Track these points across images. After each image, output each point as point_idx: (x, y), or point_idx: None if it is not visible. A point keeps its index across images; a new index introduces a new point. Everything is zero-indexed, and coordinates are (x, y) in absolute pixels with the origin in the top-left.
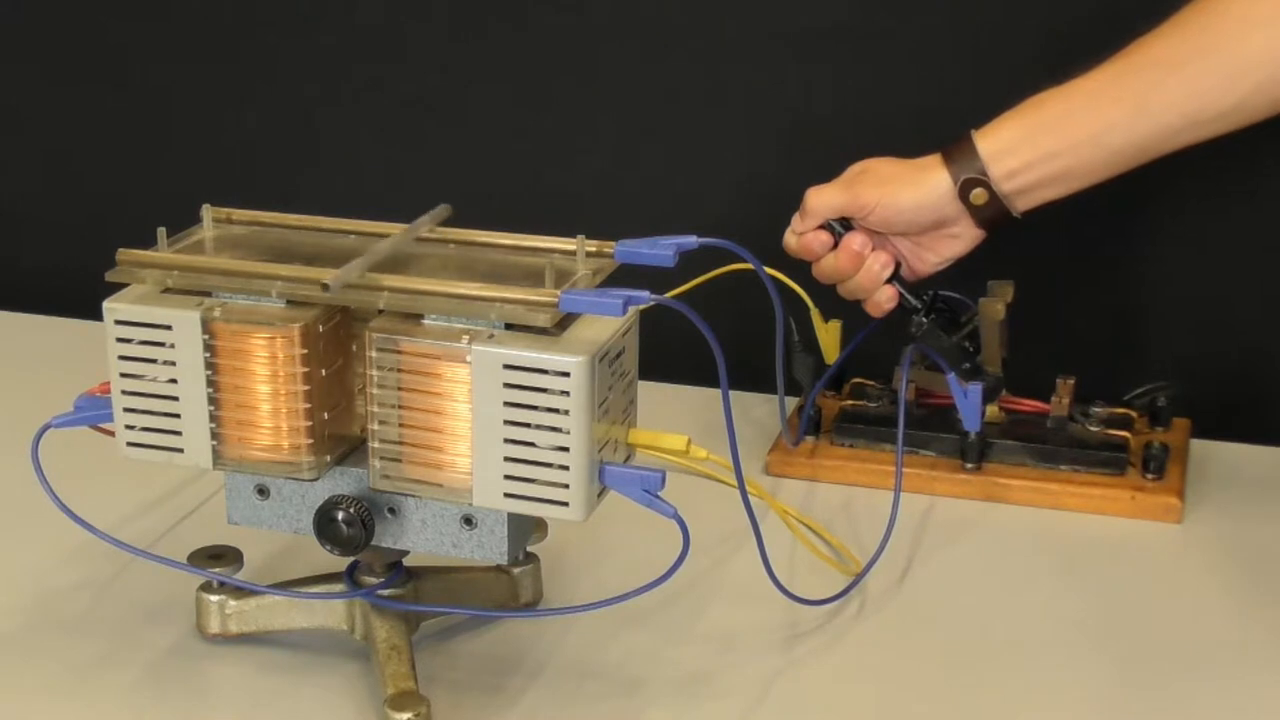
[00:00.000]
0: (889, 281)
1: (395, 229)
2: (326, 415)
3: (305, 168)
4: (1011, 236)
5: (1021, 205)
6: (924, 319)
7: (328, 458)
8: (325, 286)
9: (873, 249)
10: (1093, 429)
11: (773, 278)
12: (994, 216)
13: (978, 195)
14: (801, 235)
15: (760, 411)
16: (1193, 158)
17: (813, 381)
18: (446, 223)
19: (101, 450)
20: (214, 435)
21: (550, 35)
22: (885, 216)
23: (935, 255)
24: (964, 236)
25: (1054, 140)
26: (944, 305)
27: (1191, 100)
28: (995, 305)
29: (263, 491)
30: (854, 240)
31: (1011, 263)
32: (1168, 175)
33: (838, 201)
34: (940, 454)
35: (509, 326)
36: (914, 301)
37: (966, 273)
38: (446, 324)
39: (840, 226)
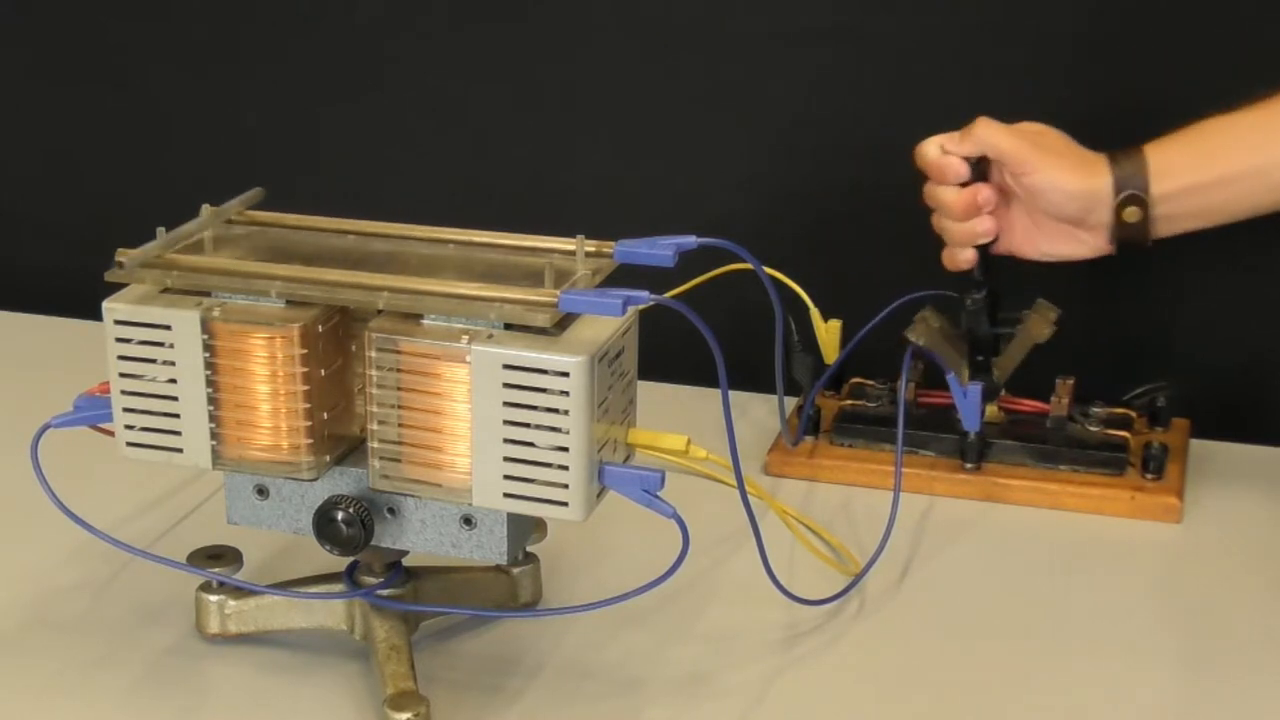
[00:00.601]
0: (979, 247)
1: (395, 229)
2: (326, 415)
3: (305, 168)
4: None
5: (1162, 231)
6: (980, 297)
7: (327, 458)
8: (120, 265)
9: (992, 209)
10: (1092, 429)
11: (772, 278)
12: (1132, 237)
13: (1131, 213)
14: (948, 154)
15: (760, 411)
16: None
17: (812, 381)
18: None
19: (101, 450)
20: (213, 435)
21: (550, 35)
22: (1039, 186)
23: (1048, 247)
24: (1088, 244)
25: (1218, 169)
26: (997, 296)
27: None
28: (1044, 327)
29: (262, 491)
30: (983, 191)
31: (1010, 261)
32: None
33: (1006, 144)
34: (940, 454)
35: (508, 326)
36: (982, 277)
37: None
38: (446, 324)
39: (979, 167)
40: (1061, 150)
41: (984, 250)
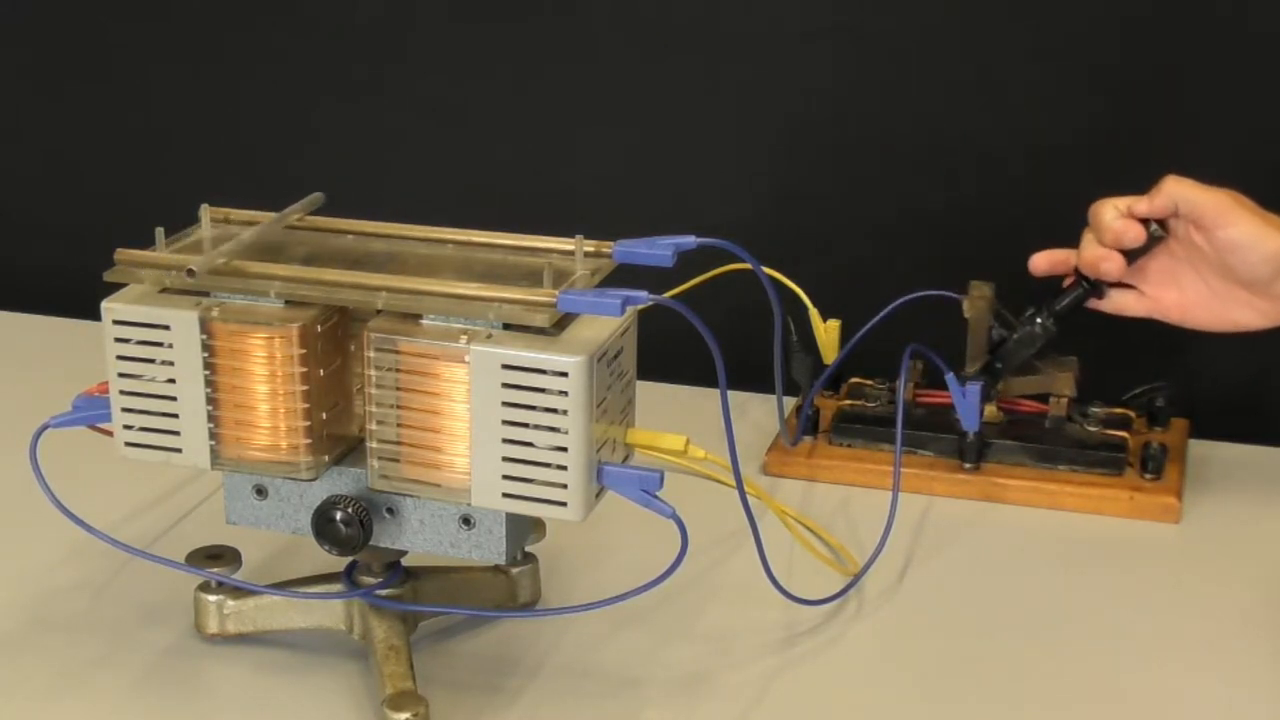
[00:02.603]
0: (1082, 284)
1: (394, 229)
2: (325, 415)
3: (304, 168)
4: (1009, 235)
5: None
6: (1051, 325)
7: (326, 458)
8: (190, 272)
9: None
10: (1091, 429)
11: (771, 278)
12: None
13: None
14: (1129, 218)
15: (759, 411)
16: (1191, 159)
17: (811, 381)
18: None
19: (100, 450)
20: (212, 435)
21: (550, 35)
22: (1237, 240)
23: (1223, 313)
24: (1265, 314)
25: None
26: (1056, 335)
27: None
28: (1068, 383)
29: (261, 491)
30: (1132, 230)
31: (1010, 262)
32: (1166, 175)
33: (1202, 196)
34: (939, 454)
35: (507, 326)
36: (1066, 311)
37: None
38: (445, 324)
39: (1159, 230)
40: (1257, 211)
41: (1086, 293)
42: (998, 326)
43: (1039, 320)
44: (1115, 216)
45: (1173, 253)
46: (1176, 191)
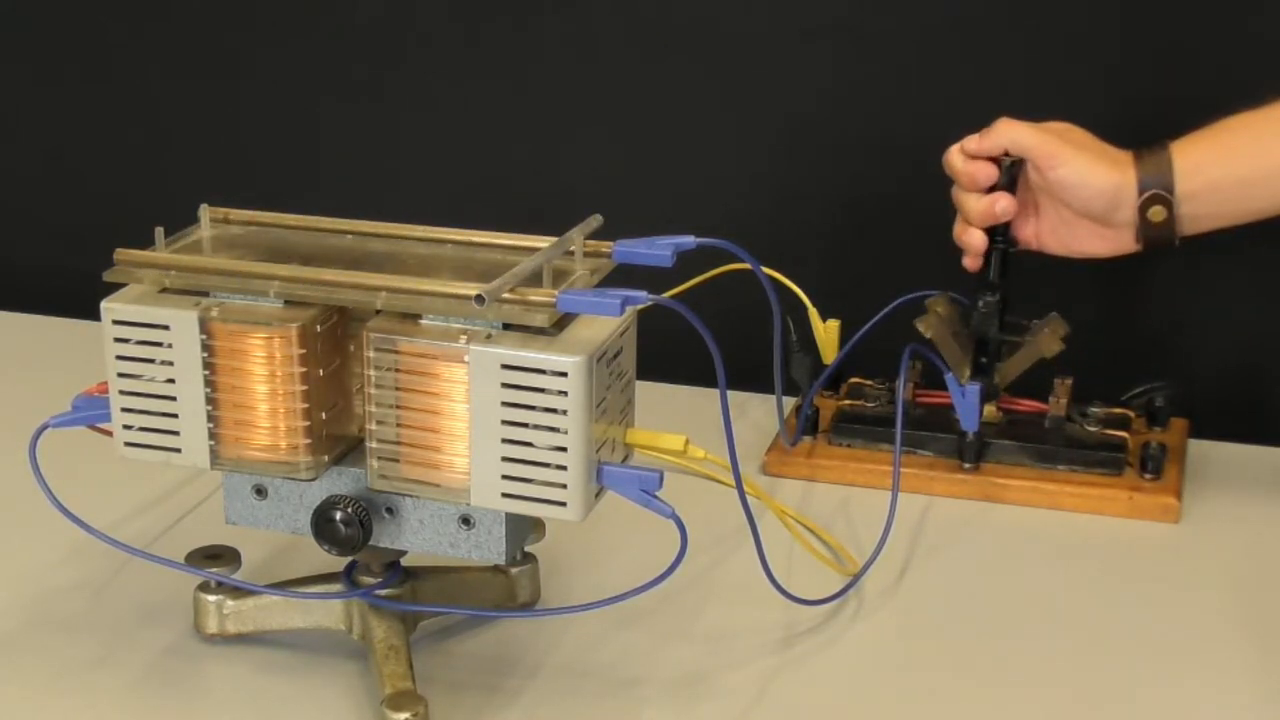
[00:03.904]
0: (994, 246)
1: (393, 229)
2: (324, 415)
3: (304, 168)
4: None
5: (1188, 230)
6: (994, 300)
7: (325, 458)
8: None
9: (1010, 219)
10: (1090, 429)
11: (770, 278)
12: (1158, 236)
13: (1156, 213)
14: (974, 158)
15: (758, 411)
16: None
17: (810, 381)
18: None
19: (99, 450)
20: (212, 435)
21: (549, 35)
22: (1066, 179)
23: (1076, 244)
24: (1115, 242)
25: (1243, 168)
26: (1007, 301)
27: None
28: (1054, 343)
29: (260, 491)
30: (1001, 201)
31: (1019, 265)
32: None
33: (1030, 140)
34: (938, 454)
35: (507, 326)
36: (997, 280)
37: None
38: (444, 324)
39: (1011, 173)
40: (1088, 145)
41: (1003, 252)
42: (964, 329)
43: (980, 300)
44: (964, 162)
45: (1030, 185)
46: (1006, 134)
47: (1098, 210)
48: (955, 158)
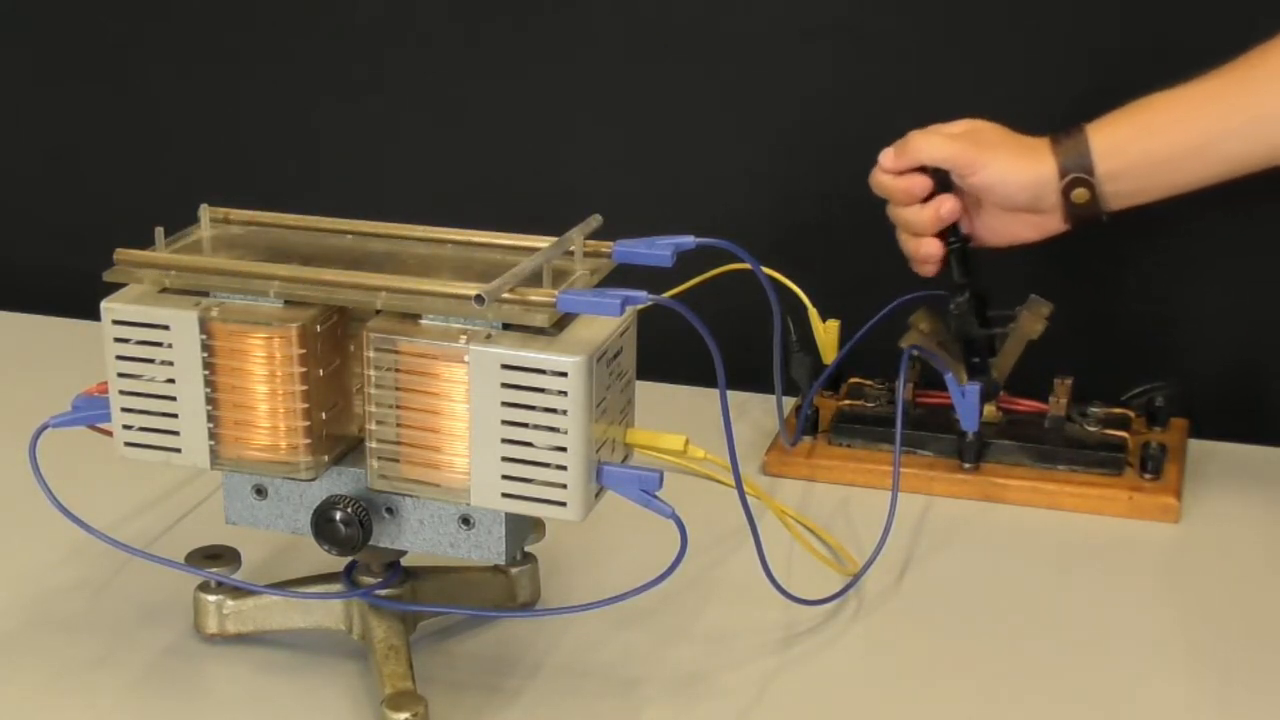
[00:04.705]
0: (950, 247)
1: (393, 229)
2: (324, 415)
3: (304, 168)
4: None
5: (1114, 206)
6: (964, 300)
7: (325, 458)
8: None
9: (957, 218)
10: (1090, 429)
11: (770, 278)
12: (1086, 216)
13: (1080, 194)
14: (899, 175)
15: (758, 411)
16: None
17: (810, 381)
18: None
19: (99, 450)
20: (212, 435)
21: (549, 35)
22: (987, 182)
23: (1005, 234)
24: (1044, 227)
25: (1163, 145)
26: (982, 296)
27: None
28: (1036, 323)
29: (260, 491)
30: (946, 204)
31: (1010, 260)
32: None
33: (943, 152)
34: (938, 454)
35: (507, 326)
36: (962, 279)
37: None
38: (444, 324)
39: (940, 176)
40: (1002, 142)
41: (960, 250)
42: (949, 335)
43: (952, 304)
44: (894, 179)
45: (956, 185)
46: (921, 149)
47: (1023, 203)
48: (883, 177)
